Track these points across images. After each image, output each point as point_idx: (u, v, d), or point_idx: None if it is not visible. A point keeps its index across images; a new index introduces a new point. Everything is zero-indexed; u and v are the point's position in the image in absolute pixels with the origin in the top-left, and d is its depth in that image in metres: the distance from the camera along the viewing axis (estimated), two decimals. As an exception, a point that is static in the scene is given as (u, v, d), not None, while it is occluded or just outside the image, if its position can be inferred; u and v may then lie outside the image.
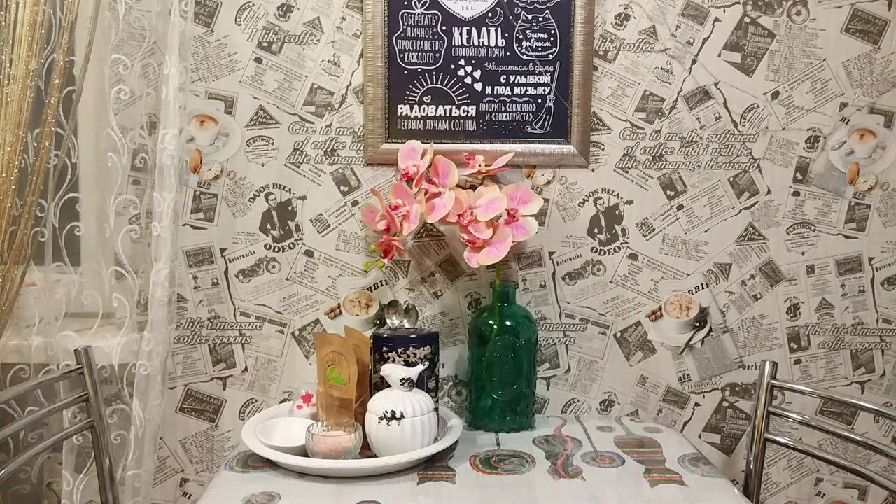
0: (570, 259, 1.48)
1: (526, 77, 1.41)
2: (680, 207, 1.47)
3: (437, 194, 1.31)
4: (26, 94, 1.22)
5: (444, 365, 1.48)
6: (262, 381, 1.48)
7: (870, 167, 1.47)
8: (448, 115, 1.42)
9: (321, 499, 1.05)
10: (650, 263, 1.48)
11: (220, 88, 1.42)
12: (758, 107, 1.45)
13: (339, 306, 1.48)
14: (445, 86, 1.41)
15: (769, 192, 1.47)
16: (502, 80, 1.41)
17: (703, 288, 1.49)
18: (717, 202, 1.47)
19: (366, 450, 1.17)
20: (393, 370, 1.19)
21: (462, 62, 1.41)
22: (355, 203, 1.46)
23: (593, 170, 1.45)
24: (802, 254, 1.48)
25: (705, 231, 1.47)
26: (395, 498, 1.05)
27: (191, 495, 1.50)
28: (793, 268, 1.49)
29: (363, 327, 1.47)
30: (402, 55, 1.40)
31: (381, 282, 1.48)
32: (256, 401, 1.49)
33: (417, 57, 1.40)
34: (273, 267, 1.46)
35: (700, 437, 1.52)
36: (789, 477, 1.54)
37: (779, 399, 1.49)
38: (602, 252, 1.47)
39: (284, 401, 1.48)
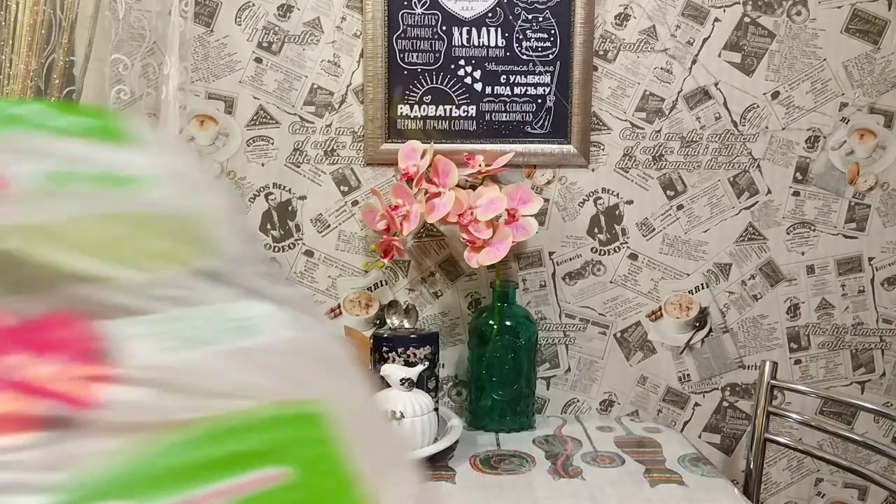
0: (570, 259, 1.48)
1: (526, 77, 1.42)
2: (680, 207, 1.47)
3: (437, 194, 1.31)
4: (26, 93, 1.22)
5: (444, 365, 1.48)
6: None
7: (870, 167, 1.47)
8: (448, 115, 1.42)
9: (321, 499, 1.05)
10: (650, 263, 1.48)
11: (220, 88, 1.42)
12: (758, 107, 1.45)
13: (338, 306, 1.48)
14: (445, 86, 1.42)
15: (769, 192, 1.47)
16: (502, 80, 1.41)
17: (703, 288, 1.49)
18: (717, 202, 1.47)
19: (366, 450, 1.17)
20: (393, 370, 1.19)
21: (462, 62, 1.41)
22: (355, 203, 1.46)
23: (593, 170, 1.45)
24: (802, 254, 1.48)
25: (705, 231, 1.47)
26: (395, 498, 1.05)
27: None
28: (793, 268, 1.49)
29: (363, 327, 1.47)
30: (402, 55, 1.40)
31: (380, 282, 1.48)
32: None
33: (417, 57, 1.41)
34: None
35: (700, 437, 1.53)
36: (789, 477, 1.54)
37: (779, 399, 1.49)
38: (602, 252, 1.47)
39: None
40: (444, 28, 1.40)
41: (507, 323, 1.36)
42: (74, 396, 0.30)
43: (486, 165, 1.36)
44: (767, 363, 1.31)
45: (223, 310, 0.36)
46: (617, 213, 1.47)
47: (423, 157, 1.34)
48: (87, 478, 0.29)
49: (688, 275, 1.48)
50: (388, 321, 1.37)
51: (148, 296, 0.35)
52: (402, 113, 1.42)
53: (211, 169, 0.44)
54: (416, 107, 1.42)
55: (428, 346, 1.28)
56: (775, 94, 1.45)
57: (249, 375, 0.34)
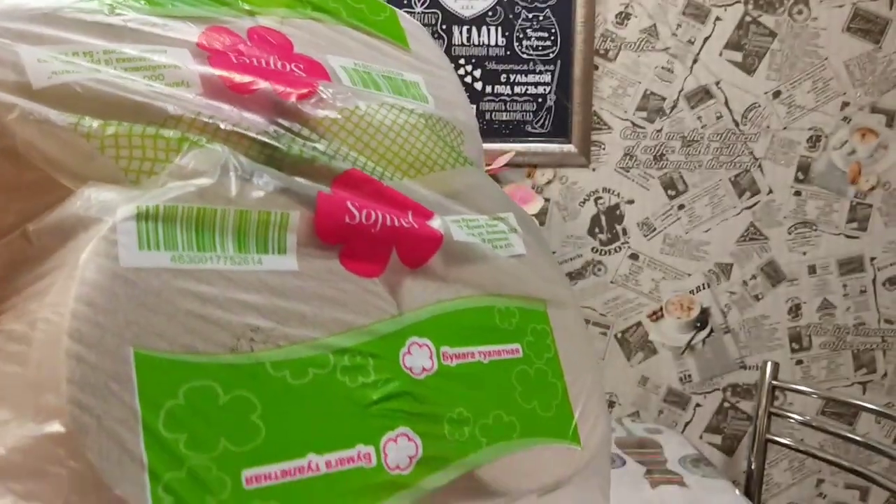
0: (571, 259, 1.47)
1: (526, 76, 1.41)
2: (681, 207, 1.46)
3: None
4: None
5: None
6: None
7: (871, 167, 1.46)
8: (448, 114, 1.42)
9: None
10: (651, 263, 1.47)
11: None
12: (759, 106, 1.44)
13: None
14: (445, 85, 1.41)
15: (770, 191, 1.46)
16: (503, 80, 1.41)
17: (704, 288, 1.48)
18: (719, 202, 1.46)
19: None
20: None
21: (462, 61, 1.40)
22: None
23: (594, 169, 1.45)
24: (804, 254, 1.48)
25: (706, 231, 1.47)
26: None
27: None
28: (794, 268, 1.48)
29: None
30: (401, 54, 1.40)
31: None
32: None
33: (417, 56, 1.40)
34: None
35: (701, 437, 1.52)
36: (791, 478, 1.53)
37: (780, 400, 1.49)
38: (603, 252, 1.47)
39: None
40: (443, 27, 1.39)
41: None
42: (419, 248, 0.44)
43: (487, 165, 1.35)
44: (769, 363, 1.31)
45: (489, 223, 0.49)
46: (618, 212, 1.46)
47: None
48: (410, 315, 0.42)
49: (689, 275, 1.48)
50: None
51: (436, 201, 0.46)
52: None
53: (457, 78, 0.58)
54: (416, 106, 1.41)
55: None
56: (776, 94, 1.44)
57: (519, 272, 0.49)
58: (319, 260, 0.40)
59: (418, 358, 0.42)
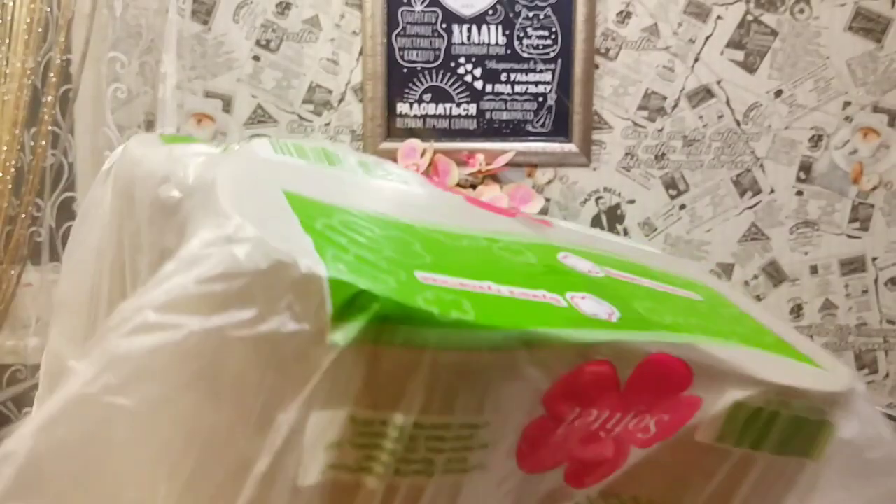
0: (572, 259, 1.46)
1: (527, 75, 1.40)
2: (682, 207, 1.45)
3: (437, 193, 1.30)
4: (23, 92, 1.21)
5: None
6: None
7: (873, 166, 1.45)
8: (448, 113, 1.41)
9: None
10: (652, 263, 1.47)
11: (218, 87, 1.41)
12: (761, 105, 1.43)
13: None
14: (445, 84, 1.40)
15: (772, 191, 1.46)
16: (503, 79, 1.40)
17: (705, 288, 1.47)
18: (720, 202, 1.45)
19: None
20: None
21: (462, 60, 1.40)
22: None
23: (595, 169, 1.44)
24: (806, 254, 1.47)
25: (708, 231, 1.46)
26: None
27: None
28: (796, 268, 1.47)
29: None
30: (401, 53, 1.39)
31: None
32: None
33: (417, 55, 1.39)
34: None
35: (702, 438, 1.51)
36: (792, 479, 1.52)
37: (782, 400, 1.48)
38: (603, 252, 1.46)
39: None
40: (444, 26, 1.39)
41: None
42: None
43: (487, 164, 1.35)
44: (770, 364, 1.30)
45: (630, 243, 0.58)
46: (619, 212, 1.45)
47: (422, 155, 1.33)
48: (560, 242, 0.45)
49: (690, 275, 1.47)
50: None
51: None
52: (401, 111, 1.41)
53: None
54: (415, 105, 1.41)
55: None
56: (778, 93, 1.43)
57: (667, 262, 0.54)
58: (445, 193, 0.47)
59: (577, 263, 0.41)
